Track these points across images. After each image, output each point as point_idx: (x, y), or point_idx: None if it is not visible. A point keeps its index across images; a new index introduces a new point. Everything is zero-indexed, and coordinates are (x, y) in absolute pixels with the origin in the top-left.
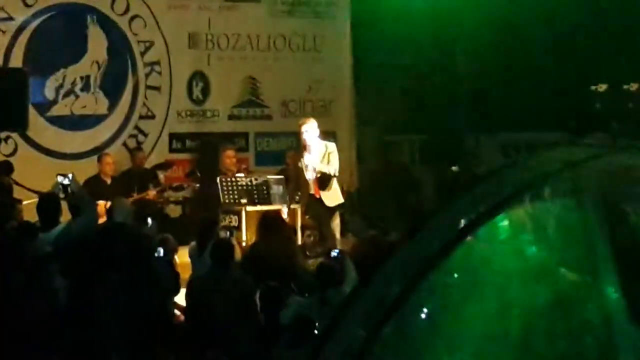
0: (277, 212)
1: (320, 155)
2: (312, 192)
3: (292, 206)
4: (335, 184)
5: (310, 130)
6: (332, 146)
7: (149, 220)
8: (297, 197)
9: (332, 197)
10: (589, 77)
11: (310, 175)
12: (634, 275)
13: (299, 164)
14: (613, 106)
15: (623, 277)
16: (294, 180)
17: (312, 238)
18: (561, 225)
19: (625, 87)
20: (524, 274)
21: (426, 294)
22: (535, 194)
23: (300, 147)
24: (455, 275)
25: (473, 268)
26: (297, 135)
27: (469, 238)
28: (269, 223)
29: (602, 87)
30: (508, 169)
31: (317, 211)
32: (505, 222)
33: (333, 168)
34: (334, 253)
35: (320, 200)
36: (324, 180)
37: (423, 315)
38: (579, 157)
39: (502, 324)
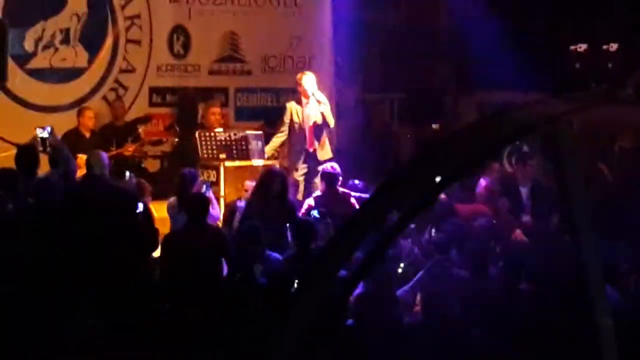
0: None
1: (324, 107)
2: (306, 145)
3: (270, 162)
4: (326, 138)
5: (308, 81)
6: (324, 97)
7: (127, 174)
8: (276, 154)
9: (325, 152)
10: (568, 36)
11: (307, 126)
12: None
13: (299, 115)
14: (592, 66)
15: (596, 232)
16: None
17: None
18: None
19: (604, 47)
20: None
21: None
22: (514, 147)
23: (297, 100)
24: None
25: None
26: (276, 91)
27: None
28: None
29: (582, 47)
30: (487, 122)
31: (310, 165)
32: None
33: (331, 119)
34: (314, 213)
35: (314, 154)
36: (319, 131)
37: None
38: (558, 110)
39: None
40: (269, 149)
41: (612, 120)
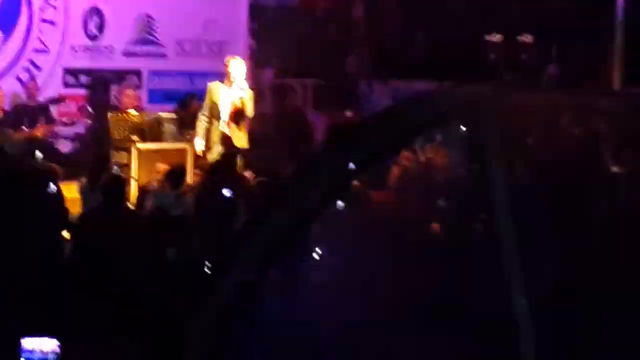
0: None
1: (245, 94)
2: (224, 127)
3: (183, 145)
4: (244, 126)
5: (236, 66)
6: (250, 92)
7: (37, 154)
8: (188, 137)
9: (241, 138)
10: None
11: (227, 109)
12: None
13: (219, 97)
14: (507, 57)
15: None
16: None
17: (199, 177)
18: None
19: (519, 38)
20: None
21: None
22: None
23: (222, 82)
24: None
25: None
26: (190, 74)
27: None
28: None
29: (496, 38)
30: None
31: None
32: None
33: (251, 109)
34: (225, 192)
35: (229, 138)
36: (239, 116)
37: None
38: (479, 95)
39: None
40: (200, 131)
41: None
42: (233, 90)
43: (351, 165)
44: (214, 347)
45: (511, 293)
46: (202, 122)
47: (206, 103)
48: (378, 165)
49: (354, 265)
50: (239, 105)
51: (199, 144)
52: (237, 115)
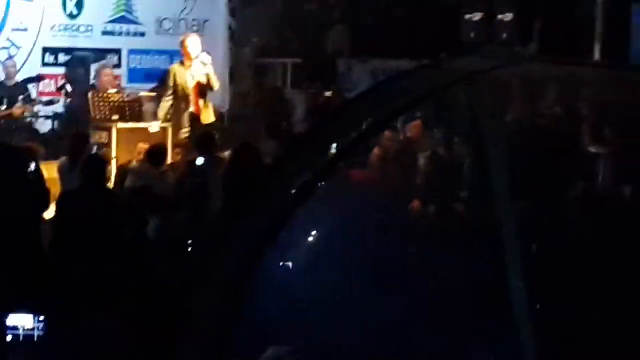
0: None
1: (202, 67)
2: (191, 107)
3: (164, 125)
4: (210, 102)
5: (193, 43)
6: (209, 59)
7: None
8: (169, 117)
9: (207, 114)
10: (463, 5)
11: (190, 88)
12: (519, 191)
13: (183, 78)
14: (487, 36)
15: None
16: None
17: (180, 156)
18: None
19: (500, 17)
20: None
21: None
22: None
23: (182, 62)
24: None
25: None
26: (170, 53)
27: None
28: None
29: (477, 17)
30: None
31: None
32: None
33: (214, 81)
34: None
35: (197, 116)
36: (203, 92)
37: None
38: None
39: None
40: (161, 114)
41: (532, 76)
42: (194, 69)
43: (335, 147)
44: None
45: (508, 274)
46: (165, 104)
47: (169, 85)
48: (363, 146)
49: (339, 245)
50: (203, 81)
51: (155, 126)
52: (202, 93)
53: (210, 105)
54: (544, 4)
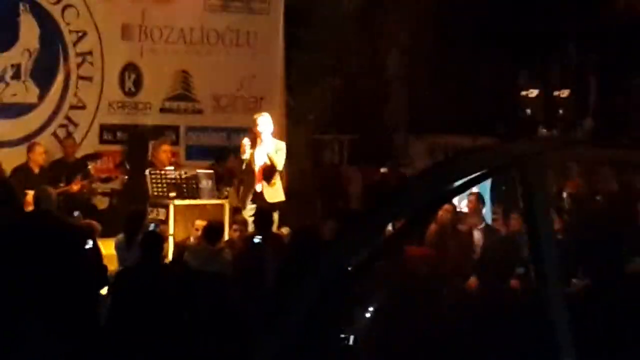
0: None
1: (271, 149)
2: (255, 187)
3: (220, 201)
4: (278, 180)
5: (264, 123)
6: (282, 144)
7: (75, 213)
8: (226, 193)
9: (274, 193)
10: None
11: (257, 167)
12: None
13: (249, 156)
14: (544, 112)
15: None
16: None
17: (237, 233)
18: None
19: (556, 93)
20: None
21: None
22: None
23: (252, 139)
24: None
25: None
26: (227, 130)
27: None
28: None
29: (533, 93)
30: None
31: (258, 205)
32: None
33: (280, 162)
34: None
35: (261, 194)
36: (269, 172)
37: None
38: (528, 151)
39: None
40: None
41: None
42: (262, 148)
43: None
44: None
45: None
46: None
47: (243, 158)
48: (423, 222)
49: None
50: (267, 162)
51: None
52: (268, 172)
53: (279, 184)
54: (599, 80)
